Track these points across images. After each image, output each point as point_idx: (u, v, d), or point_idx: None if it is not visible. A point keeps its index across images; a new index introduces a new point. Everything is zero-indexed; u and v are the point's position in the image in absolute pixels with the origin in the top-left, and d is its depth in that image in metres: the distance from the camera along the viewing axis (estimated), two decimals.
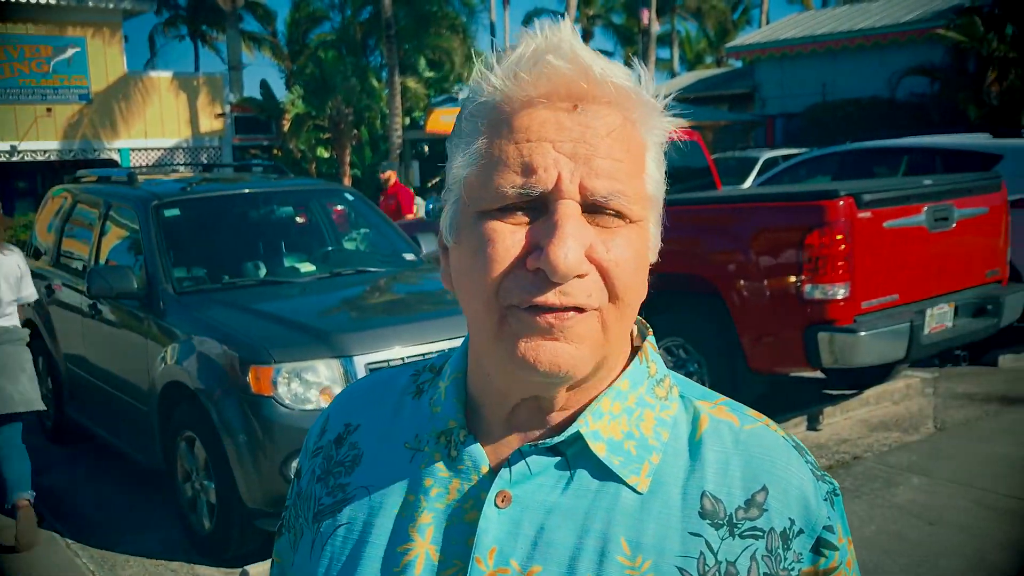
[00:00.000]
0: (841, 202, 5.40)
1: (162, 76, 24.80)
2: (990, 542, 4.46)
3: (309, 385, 4.31)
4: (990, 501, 4.94)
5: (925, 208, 5.83)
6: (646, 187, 0.83)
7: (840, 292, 5.37)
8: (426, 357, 1.00)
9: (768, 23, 32.77)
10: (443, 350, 0.87)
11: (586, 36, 48.89)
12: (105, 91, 23.22)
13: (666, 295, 6.48)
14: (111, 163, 22.43)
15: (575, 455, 0.85)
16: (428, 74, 25.59)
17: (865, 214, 5.46)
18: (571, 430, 0.84)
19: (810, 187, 7.55)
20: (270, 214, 6.45)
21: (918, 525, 4.69)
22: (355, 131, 24.10)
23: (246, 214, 6.22)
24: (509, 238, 0.78)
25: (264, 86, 24.66)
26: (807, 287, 5.39)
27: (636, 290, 0.82)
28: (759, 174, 13.74)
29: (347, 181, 22.74)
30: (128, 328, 5.39)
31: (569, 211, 0.78)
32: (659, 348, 6.46)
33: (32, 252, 7.33)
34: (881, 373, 6.91)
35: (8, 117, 22.06)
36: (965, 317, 6.15)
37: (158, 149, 24.25)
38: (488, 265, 0.79)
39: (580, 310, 0.79)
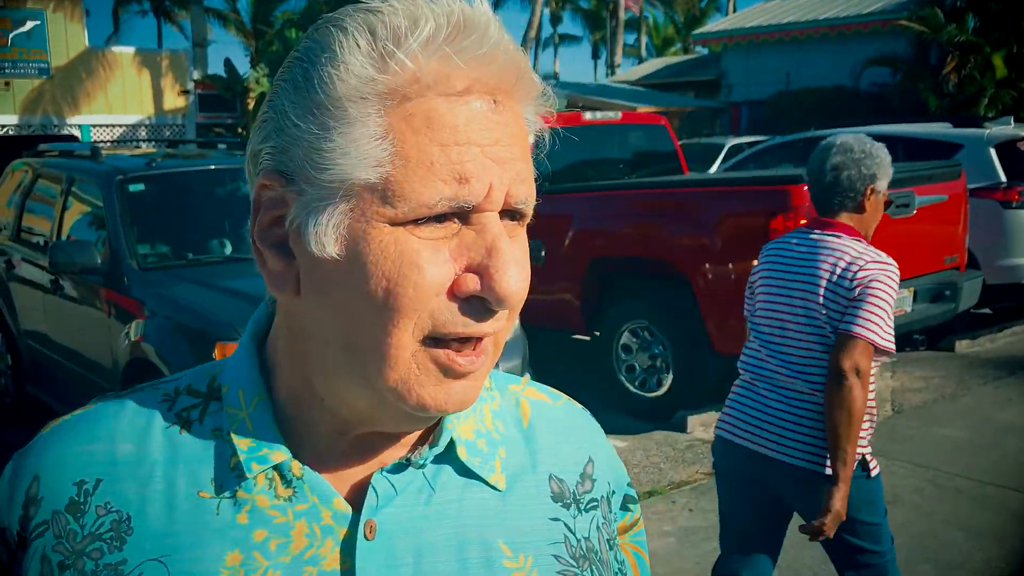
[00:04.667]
0: (805, 187, 5.46)
1: (124, 52, 24.43)
2: (941, 520, 4.58)
3: None
4: (943, 481, 5.06)
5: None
6: None
7: None
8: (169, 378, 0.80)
9: (735, 11, 32.93)
10: (197, 368, 0.79)
11: (554, 20, 48.83)
12: (66, 66, 22.84)
13: (632, 279, 6.54)
14: (71, 139, 22.10)
15: (437, 465, 0.78)
16: None
17: None
18: (444, 438, 0.77)
19: (775, 172, 7.62)
20: (236, 191, 6.40)
21: None
22: None
23: (211, 191, 6.18)
24: (434, 259, 0.66)
25: (228, 64, 24.39)
26: None
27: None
28: (724, 160, 13.85)
29: None
30: (91, 304, 5.33)
31: (499, 226, 0.68)
32: (625, 331, 6.41)
33: None
34: None
35: None
36: (924, 302, 6.26)
37: (120, 126, 23.91)
38: (406, 292, 0.65)
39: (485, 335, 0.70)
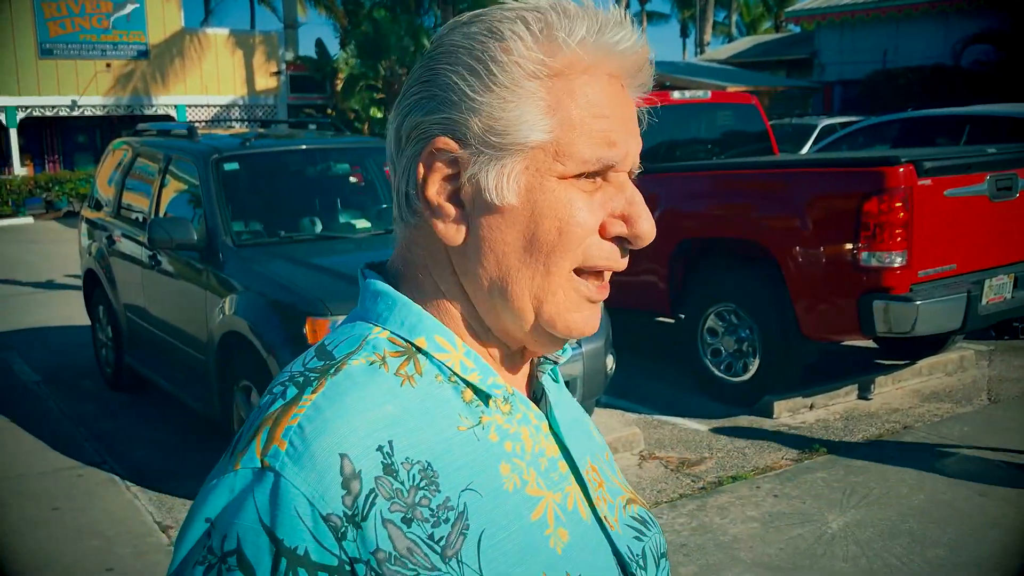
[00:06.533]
0: (901, 169, 5.31)
1: (218, 33, 24.98)
2: None
3: None
4: None
5: (987, 177, 5.72)
6: None
7: (897, 260, 5.31)
8: (353, 354, 0.86)
9: None
10: (347, 337, 0.89)
11: None
12: (162, 47, 23.46)
13: (720, 261, 6.45)
14: (167, 118, 22.73)
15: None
16: None
17: (925, 182, 5.37)
18: (565, 346, 0.95)
19: (870, 154, 7.43)
20: (326, 170, 6.51)
21: (968, 496, 4.66)
22: None
23: (303, 170, 6.29)
24: (588, 206, 0.84)
25: (319, 45, 24.73)
26: (863, 254, 5.33)
27: None
28: (816, 141, 13.52)
29: None
30: (187, 279, 5.50)
31: (631, 183, 0.88)
32: (711, 314, 6.30)
33: (93, 204, 7.49)
34: (935, 344, 6.83)
35: (69, 72, 22.41)
36: None
37: (214, 106, 24.49)
38: (574, 231, 0.84)
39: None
